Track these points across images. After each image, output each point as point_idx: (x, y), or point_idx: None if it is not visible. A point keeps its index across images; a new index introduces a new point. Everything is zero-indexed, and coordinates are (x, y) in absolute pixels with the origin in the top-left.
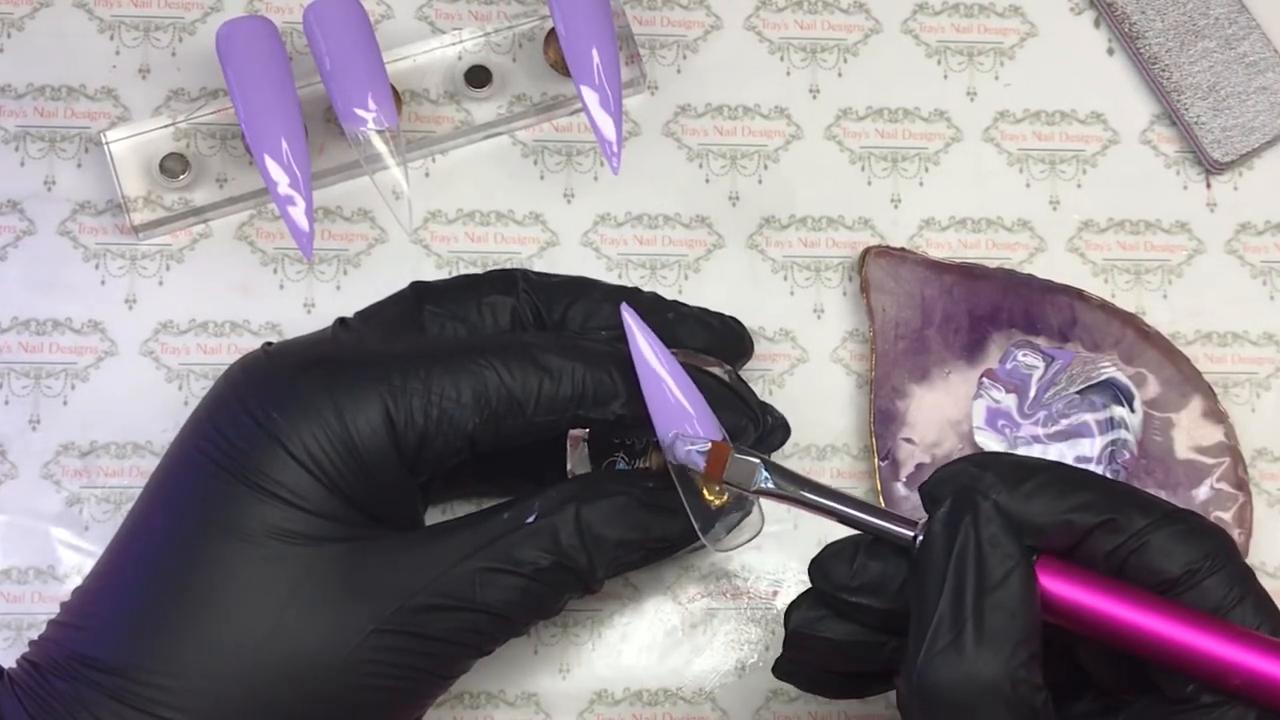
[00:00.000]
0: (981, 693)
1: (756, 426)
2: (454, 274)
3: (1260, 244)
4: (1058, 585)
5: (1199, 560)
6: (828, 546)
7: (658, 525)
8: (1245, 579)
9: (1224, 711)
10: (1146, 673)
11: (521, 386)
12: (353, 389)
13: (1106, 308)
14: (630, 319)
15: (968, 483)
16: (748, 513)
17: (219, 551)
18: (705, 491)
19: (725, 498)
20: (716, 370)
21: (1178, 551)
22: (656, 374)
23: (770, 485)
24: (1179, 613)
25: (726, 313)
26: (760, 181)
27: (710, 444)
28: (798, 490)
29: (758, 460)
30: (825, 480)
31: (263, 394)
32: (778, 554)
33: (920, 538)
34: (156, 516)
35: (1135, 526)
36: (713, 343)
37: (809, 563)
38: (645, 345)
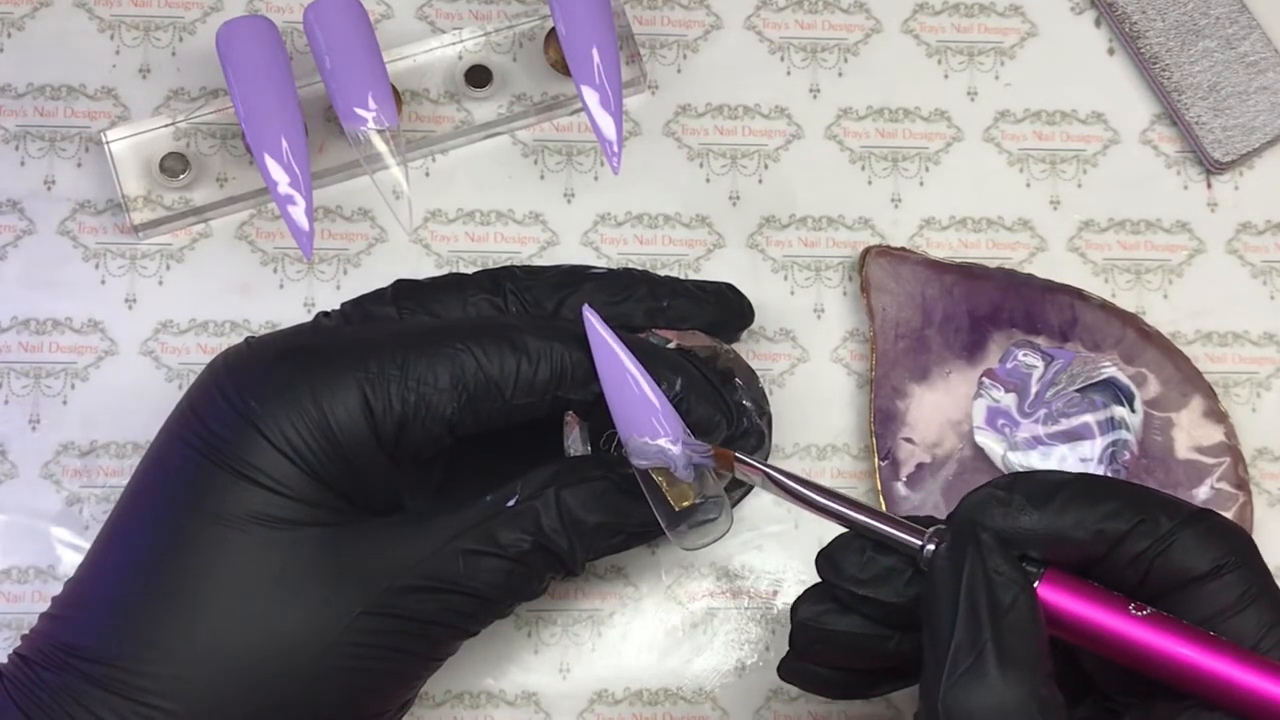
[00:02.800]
0: (1010, 713)
1: (730, 425)
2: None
3: (1260, 244)
4: (1062, 601)
5: (1224, 557)
6: (836, 539)
7: (637, 511)
8: (1264, 576)
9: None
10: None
11: (499, 369)
12: (330, 376)
13: (1107, 308)
14: (593, 320)
15: (993, 506)
16: (716, 515)
17: (203, 538)
18: (669, 496)
19: (690, 500)
20: (712, 349)
21: (1204, 550)
22: (617, 378)
23: (767, 484)
24: (1177, 631)
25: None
26: (760, 181)
27: (713, 450)
28: (806, 491)
29: (762, 470)
30: (826, 480)
31: (242, 383)
32: (778, 554)
33: (929, 547)
34: (141, 505)
35: (1163, 529)
36: (710, 320)
37: (817, 554)
38: (608, 348)
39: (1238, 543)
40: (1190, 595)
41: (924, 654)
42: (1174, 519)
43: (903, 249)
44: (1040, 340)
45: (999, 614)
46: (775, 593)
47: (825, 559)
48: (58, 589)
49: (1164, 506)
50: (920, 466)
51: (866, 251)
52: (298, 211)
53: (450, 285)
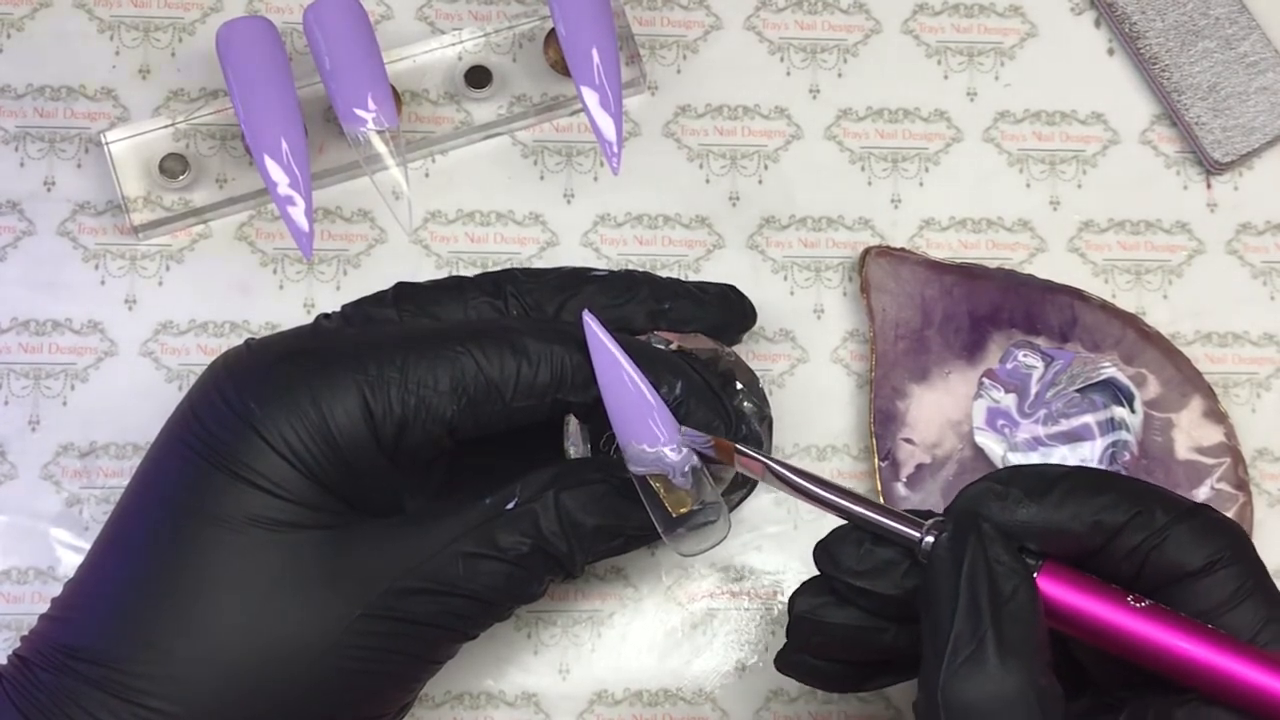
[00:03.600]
0: (1009, 703)
1: (728, 430)
2: (453, 274)
3: (1260, 244)
4: (1061, 593)
5: (1219, 552)
6: (833, 531)
7: (636, 514)
8: (1258, 570)
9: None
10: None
11: (499, 372)
12: (329, 379)
13: (1107, 308)
14: (593, 325)
15: (991, 500)
16: (714, 521)
17: (201, 540)
18: (667, 502)
19: (687, 506)
20: (713, 352)
21: (1198, 545)
22: (616, 384)
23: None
24: (1176, 624)
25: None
26: (760, 182)
27: (712, 440)
28: (805, 483)
29: (762, 462)
30: None
31: (242, 385)
32: (778, 554)
33: (928, 539)
34: (141, 507)
35: (1158, 523)
36: (712, 322)
37: (815, 546)
38: (607, 354)
39: (1232, 538)
40: (1186, 590)
41: (923, 644)
42: (1169, 513)
43: (902, 249)
44: (1040, 341)
45: (999, 603)
46: (775, 593)
47: (822, 551)
48: (57, 590)
49: (1160, 500)
50: (920, 467)
51: (866, 252)
52: (297, 212)
53: (451, 288)
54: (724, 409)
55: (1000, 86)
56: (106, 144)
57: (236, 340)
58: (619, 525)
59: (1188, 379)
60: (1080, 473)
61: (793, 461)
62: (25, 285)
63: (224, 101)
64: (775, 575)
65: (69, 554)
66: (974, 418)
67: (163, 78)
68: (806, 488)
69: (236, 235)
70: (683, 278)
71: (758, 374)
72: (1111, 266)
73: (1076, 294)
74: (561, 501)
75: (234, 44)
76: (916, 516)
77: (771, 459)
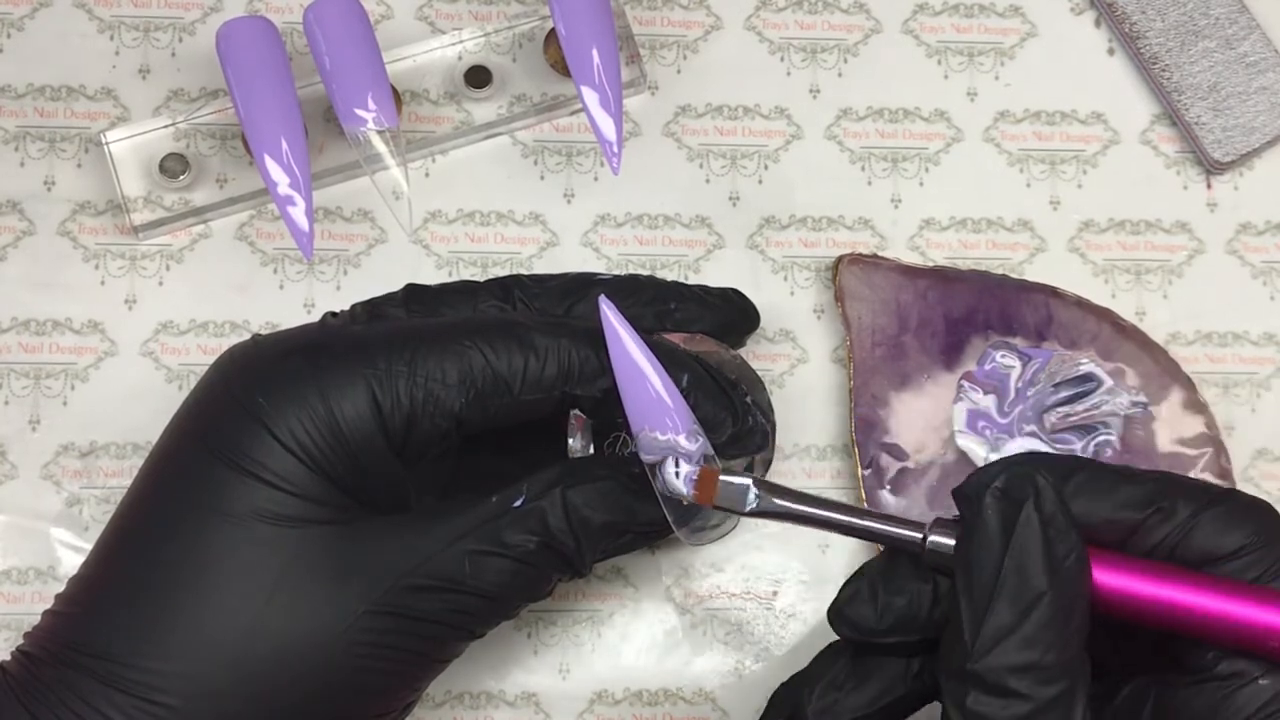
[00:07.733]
0: (1050, 675)
1: (735, 422)
2: (454, 274)
3: (1260, 244)
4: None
5: (1247, 538)
6: (841, 592)
7: (643, 509)
8: None
9: (1242, 681)
10: (1153, 649)
11: (507, 366)
12: (337, 373)
13: (1082, 304)
14: (608, 311)
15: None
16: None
17: (207, 535)
18: None
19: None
20: (718, 355)
21: (1226, 533)
22: (630, 369)
23: (760, 505)
24: (1213, 583)
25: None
26: (760, 181)
27: (699, 470)
28: (793, 506)
29: (747, 482)
30: (825, 481)
31: (249, 379)
32: (778, 554)
33: (932, 538)
34: (146, 502)
35: (1179, 517)
36: (716, 323)
37: (829, 612)
38: (622, 339)
39: (1260, 522)
40: (1214, 570)
41: (957, 612)
42: (1192, 504)
43: (874, 255)
44: (1017, 341)
45: (1053, 568)
46: (775, 593)
47: (838, 617)
48: (58, 590)
49: (1182, 491)
50: (904, 473)
51: (839, 260)
52: (297, 212)
53: (462, 291)
54: (730, 402)
55: (1000, 86)
56: (106, 144)
57: (237, 340)
58: (626, 521)
59: (1165, 371)
60: (1102, 465)
61: (792, 462)
62: (25, 285)
63: (224, 101)
64: (775, 575)
65: (69, 554)
66: (955, 421)
67: (163, 78)
68: (797, 511)
69: (236, 235)
70: (683, 278)
71: (758, 374)
72: (1111, 266)
73: (1050, 292)
74: (569, 498)
75: (234, 44)
76: (909, 524)
77: (758, 481)
